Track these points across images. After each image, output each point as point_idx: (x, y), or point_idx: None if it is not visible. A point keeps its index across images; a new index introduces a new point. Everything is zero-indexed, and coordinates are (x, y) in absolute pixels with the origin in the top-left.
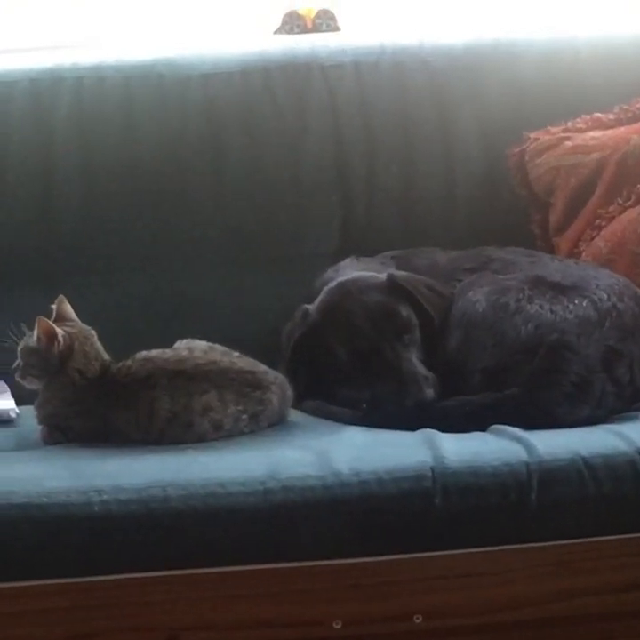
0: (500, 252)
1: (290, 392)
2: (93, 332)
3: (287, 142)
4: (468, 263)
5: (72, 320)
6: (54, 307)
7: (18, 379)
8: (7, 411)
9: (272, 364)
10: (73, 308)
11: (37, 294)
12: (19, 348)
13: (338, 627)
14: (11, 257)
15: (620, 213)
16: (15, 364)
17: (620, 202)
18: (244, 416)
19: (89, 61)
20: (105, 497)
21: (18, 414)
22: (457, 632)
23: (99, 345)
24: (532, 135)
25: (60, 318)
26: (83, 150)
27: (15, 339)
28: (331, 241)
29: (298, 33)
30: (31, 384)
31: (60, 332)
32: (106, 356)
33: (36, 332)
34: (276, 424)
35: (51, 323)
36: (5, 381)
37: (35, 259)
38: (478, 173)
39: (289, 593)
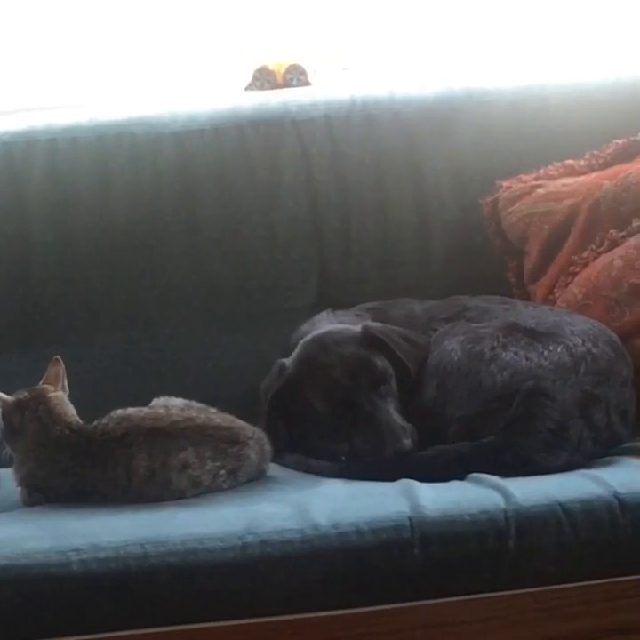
0: (474, 300)
1: (268, 447)
2: (56, 394)
3: (261, 197)
4: (444, 313)
5: (56, 382)
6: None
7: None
8: None
9: (250, 420)
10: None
11: (17, 357)
12: None
13: None
14: None
15: (594, 259)
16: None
17: (594, 248)
18: (222, 472)
19: (62, 122)
20: (84, 556)
21: None
22: None
23: (62, 408)
24: (505, 183)
25: (48, 380)
26: (58, 211)
27: None
28: (308, 294)
29: (269, 88)
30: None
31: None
32: (71, 420)
33: None
34: (255, 479)
35: None
36: None
37: (12, 322)
38: (452, 223)
39: None
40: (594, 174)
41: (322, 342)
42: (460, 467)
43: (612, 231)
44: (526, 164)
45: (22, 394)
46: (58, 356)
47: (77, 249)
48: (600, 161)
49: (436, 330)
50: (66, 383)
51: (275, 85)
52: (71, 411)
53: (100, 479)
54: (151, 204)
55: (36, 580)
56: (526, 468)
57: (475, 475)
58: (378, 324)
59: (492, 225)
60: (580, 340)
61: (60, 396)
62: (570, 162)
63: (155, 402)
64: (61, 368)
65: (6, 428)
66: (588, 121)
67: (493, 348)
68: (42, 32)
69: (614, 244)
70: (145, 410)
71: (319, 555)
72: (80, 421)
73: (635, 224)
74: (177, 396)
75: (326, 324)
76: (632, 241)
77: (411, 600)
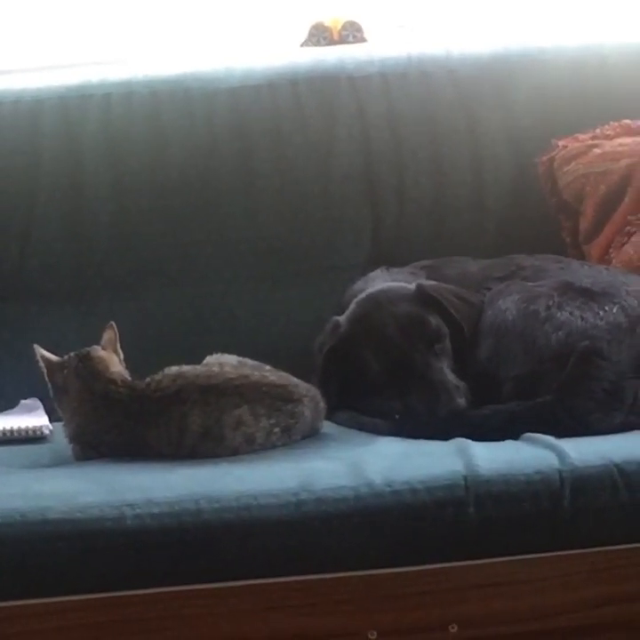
0: (529, 259)
1: (322, 404)
2: (100, 353)
3: (316, 154)
4: (498, 271)
5: (109, 347)
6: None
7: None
8: (40, 427)
9: (304, 377)
10: (104, 324)
11: (69, 312)
12: None
13: (373, 637)
14: (42, 275)
15: None
16: None
17: None
18: (277, 429)
19: (117, 77)
20: (138, 511)
21: (51, 431)
22: None
23: (104, 365)
24: (561, 143)
25: (102, 344)
26: (112, 166)
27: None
28: (361, 252)
29: (324, 45)
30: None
31: (43, 354)
32: (114, 376)
33: None
34: (309, 436)
35: (38, 349)
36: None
37: (66, 276)
38: (507, 182)
39: (323, 604)
40: None
41: (376, 300)
42: (515, 426)
43: None
44: (583, 124)
45: (69, 354)
46: (112, 322)
47: (131, 204)
48: None
49: (490, 288)
50: (119, 347)
51: (330, 42)
52: (115, 368)
53: (153, 436)
54: (205, 160)
55: (91, 534)
56: (581, 428)
57: (529, 434)
58: (432, 283)
59: (548, 184)
60: (636, 301)
61: (103, 355)
62: (627, 122)
63: (208, 359)
64: (114, 333)
65: (52, 386)
66: None
67: (548, 308)
68: None
69: None
70: (199, 367)
71: (373, 512)
72: (128, 378)
73: None
74: (230, 353)
75: (380, 281)
76: None
77: (464, 559)
